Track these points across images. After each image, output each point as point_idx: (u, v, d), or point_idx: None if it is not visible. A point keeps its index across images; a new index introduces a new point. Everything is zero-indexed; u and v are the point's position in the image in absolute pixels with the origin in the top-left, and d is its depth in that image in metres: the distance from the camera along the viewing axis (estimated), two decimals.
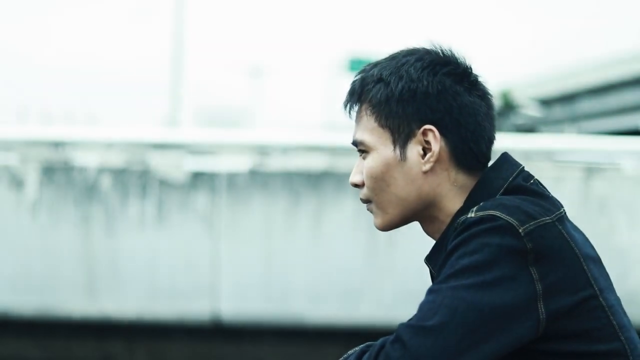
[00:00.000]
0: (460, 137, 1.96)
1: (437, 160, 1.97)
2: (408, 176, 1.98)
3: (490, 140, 2.00)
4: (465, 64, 2.00)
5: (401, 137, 1.98)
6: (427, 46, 2.03)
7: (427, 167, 1.96)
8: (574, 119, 43.28)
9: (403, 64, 1.99)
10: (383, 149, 1.99)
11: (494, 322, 1.77)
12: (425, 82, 1.96)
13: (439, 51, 2.01)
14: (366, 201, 2.07)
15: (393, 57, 2.02)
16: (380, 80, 1.99)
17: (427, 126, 1.95)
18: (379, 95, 1.99)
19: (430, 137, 1.95)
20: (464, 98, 1.96)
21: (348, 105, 2.05)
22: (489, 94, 2.02)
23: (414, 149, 1.97)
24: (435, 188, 1.98)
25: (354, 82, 2.05)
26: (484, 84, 2.01)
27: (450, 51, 2.01)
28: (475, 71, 2.01)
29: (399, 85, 1.97)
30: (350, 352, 1.90)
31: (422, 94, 1.95)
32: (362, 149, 2.03)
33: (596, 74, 41.07)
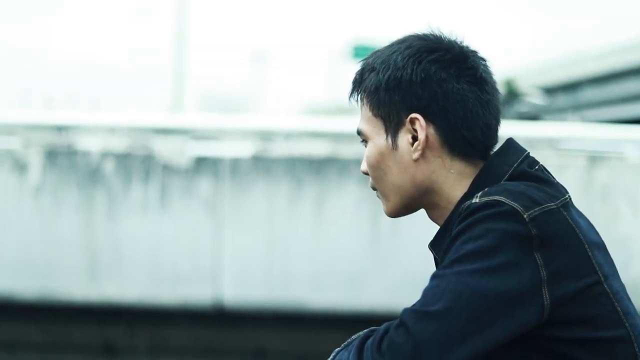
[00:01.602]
0: (449, 125, 1.94)
1: (429, 148, 1.96)
2: (401, 165, 1.98)
3: (488, 126, 1.97)
4: (458, 49, 1.98)
5: (392, 125, 1.98)
6: (425, 31, 2.01)
7: (416, 155, 1.96)
8: (577, 108, 43.23)
9: (393, 52, 1.98)
10: (377, 138, 2.00)
11: (498, 307, 1.76)
12: (409, 70, 1.95)
13: (433, 37, 1.99)
14: (374, 189, 2.07)
15: (390, 45, 2.02)
16: (373, 69, 2.00)
17: (413, 115, 1.95)
18: (370, 85, 2.00)
19: (417, 126, 1.95)
20: (449, 85, 1.93)
21: (351, 95, 2.06)
22: (484, 79, 1.98)
23: (404, 138, 1.97)
24: (430, 175, 1.97)
25: (356, 71, 2.06)
26: (481, 68, 1.98)
27: (445, 36, 1.99)
28: (473, 56, 1.98)
29: (386, 74, 1.97)
30: (354, 336, 1.90)
31: (406, 82, 1.95)
32: (363, 138, 2.04)
33: (600, 63, 40.99)
